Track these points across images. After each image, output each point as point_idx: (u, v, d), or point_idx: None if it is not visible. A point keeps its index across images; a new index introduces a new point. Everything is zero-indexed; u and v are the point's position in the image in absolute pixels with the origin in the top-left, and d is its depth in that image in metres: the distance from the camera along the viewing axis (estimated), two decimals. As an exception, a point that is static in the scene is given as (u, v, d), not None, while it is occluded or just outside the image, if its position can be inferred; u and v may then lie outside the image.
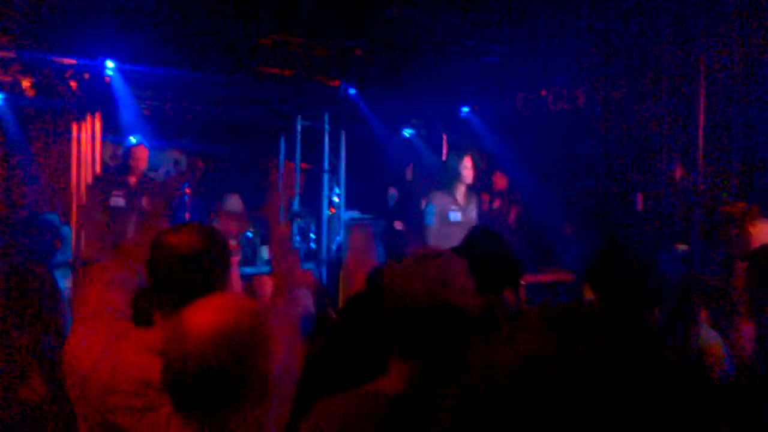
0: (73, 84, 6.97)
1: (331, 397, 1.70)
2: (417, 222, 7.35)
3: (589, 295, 2.44)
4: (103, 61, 6.93)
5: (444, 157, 9.57)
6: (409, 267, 1.72)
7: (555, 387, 1.05)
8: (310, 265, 8.12)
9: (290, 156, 8.72)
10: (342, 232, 8.63)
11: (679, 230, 6.32)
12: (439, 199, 6.28)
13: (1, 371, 2.80)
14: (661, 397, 1.12)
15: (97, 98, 7.07)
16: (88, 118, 7.22)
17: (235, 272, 2.41)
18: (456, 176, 6.27)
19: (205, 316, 1.60)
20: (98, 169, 7.19)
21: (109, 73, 6.98)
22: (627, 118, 7.35)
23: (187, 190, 8.54)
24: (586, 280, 2.47)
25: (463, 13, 6.98)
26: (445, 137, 9.83)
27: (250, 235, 7.26)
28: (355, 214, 8.87)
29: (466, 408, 1.28)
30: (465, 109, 9.31)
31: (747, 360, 2.81)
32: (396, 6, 6.79)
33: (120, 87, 7.09)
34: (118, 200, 6.27)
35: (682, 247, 5.89)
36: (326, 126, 8.69)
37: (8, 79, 6.81)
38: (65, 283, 5.41)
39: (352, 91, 8.28)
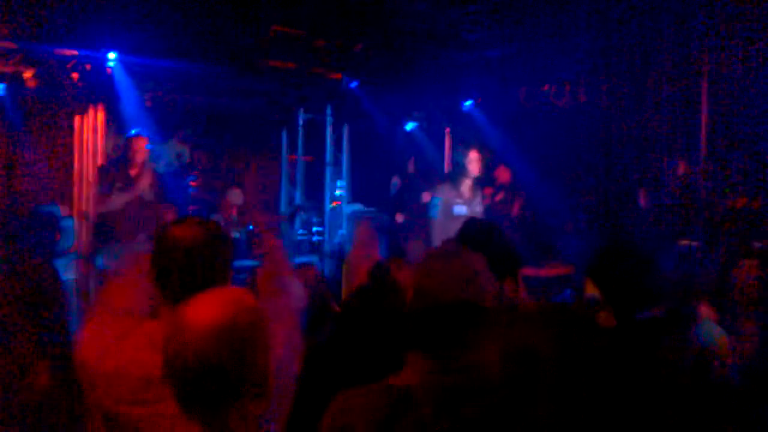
0: (75, 75, 6.97)
1: (349, 390, 1.72)
2: (417, 215, 7.34)
3: (591, 291, 2.44)
4: (105, 53, 6.92)
5: (446, 151, 9.56)
6: (435, 264, 1.75)
7: (545, 382, 1.05)
8: (313, 258, 8.13)
9: (292, 148, 8.72)
10: (345, 224, 8.63)
11: (682, 226, 6.32)
12: (444, 192, 6.28)
13: (6, 363, 2.81)
14: (658, 396, 1.12)
15: (99, 90, 7.06)
16: (91, 110, 7.22)
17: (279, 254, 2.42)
18: (461, 170, 6.27)
19: (203, 312, 1.59)
20: (100, 160, 7.19)
21: (111, 64, 6.97)
22: (629, 114, 7.34)
23: (192, 183, 8.55)
24: (589, 276, 2.47)
25: (465, 6, 6.97)
26: (448, 130, 9.82)
27: (251, 228, 7.27)
28: (358, 206, 8.87)
29: (458, 401, 1.28)
30: (468, 103, 9.30)
31: (749, 358, 2.81)
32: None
33: (122, 79, 7.09)
34: (119, 192, 6.28)
35: (685, 242, 5.88)
36: (328, 118, 8.67)
37: (10, 70, 6.81)
38: (68, 274, 5.43)
39: (353, 84, 8.27)
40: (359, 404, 1.68)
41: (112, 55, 6.95)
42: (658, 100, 6.91)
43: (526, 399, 1.01)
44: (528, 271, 5.63)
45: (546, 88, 8.35)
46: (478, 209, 6.35)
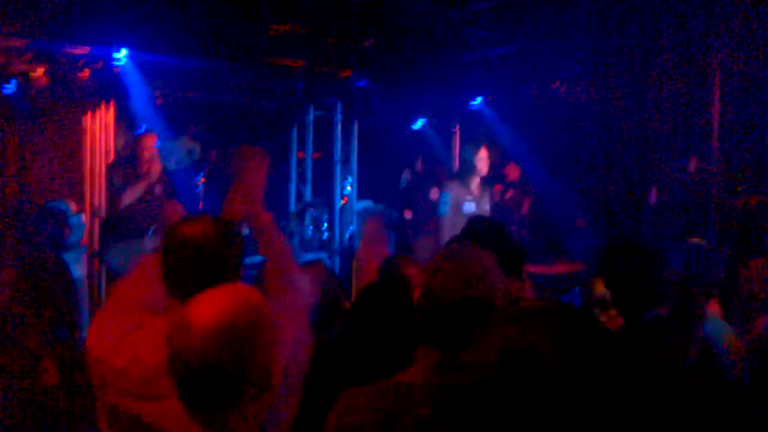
0: (86, 73, 6.98)
1: (355, 388, 1.71)
2: (425, 212, 7.35)
3: (600, 289, 2.44)
4: (116, 50, 6.92)
5: (456, 148, 9.56)
6: (448, 262, 1.76)
7: (545, 382, 1.05)
8: (322, 255, 8.13)
9: (302, 146, 8.73)
10: (354, 221, 8.63)
11: (693, 224, 6.28)
12: (454, 189, 6.29)
13: (15, 359, 2.82)
14: (661, 396, 1.12)
15: (109, 87, 7.07)
16: (101, 107, 7.24)
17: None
18: (471, 167, 6.29)
19: (203, 311, 1.58)
20: (111, 158, 7.22)
21: (122, 62, 6.98)
22: (638, 112, 7.31)
23: (201, 180, 8.58)
24: (599, 275, 2.47)
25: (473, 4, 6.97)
26: (457, 127, 9.81)
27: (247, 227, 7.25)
28: (368, 203, 8.87)
29: (457, 401, 1.28)
30: (477, 100, 9.28)
31: (758, 357, 2.79)
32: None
33: (133, 76, 7.09)
34: (129, 189, 6.30)
35: (696, 240, 5.85)
36: (338, 116, 8.68)
37: (21, 67, 6.82)
38: (78, 269, 5.45)
39: (362, 82, 8.28)
40: (364, 403, 1.67)
41: (122, 53, 6.95)
42: (669, 98, 6.87)
43: (525, 399, 1.01)
44: (537, 268, 5.61)
45: (556, 85, 8.32)
46: (486, 207, 6.37)
